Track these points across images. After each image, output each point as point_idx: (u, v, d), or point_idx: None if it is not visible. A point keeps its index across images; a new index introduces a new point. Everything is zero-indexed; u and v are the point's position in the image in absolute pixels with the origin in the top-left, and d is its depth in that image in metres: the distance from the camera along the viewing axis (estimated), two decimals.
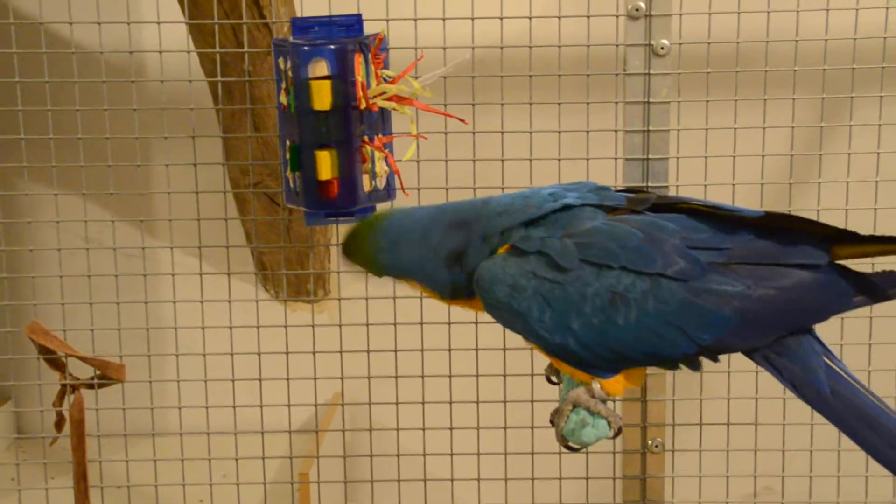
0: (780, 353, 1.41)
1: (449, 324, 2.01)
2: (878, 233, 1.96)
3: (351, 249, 1.50)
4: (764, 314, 1.37)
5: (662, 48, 1.91)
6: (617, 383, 1.45)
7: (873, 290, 1.40)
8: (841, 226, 1.45)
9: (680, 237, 1.37)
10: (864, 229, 1.85)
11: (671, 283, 1.35)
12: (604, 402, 1.47)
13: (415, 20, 1.93)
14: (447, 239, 1.45)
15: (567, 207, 1.41)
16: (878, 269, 1.41)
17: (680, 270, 1.36)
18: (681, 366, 1.44)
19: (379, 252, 1.48)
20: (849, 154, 1.99)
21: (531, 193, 1.47)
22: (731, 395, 2.04)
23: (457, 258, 1.44)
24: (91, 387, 1.94)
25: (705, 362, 1.45)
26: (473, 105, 1.95)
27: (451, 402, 2.06)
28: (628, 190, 1.51)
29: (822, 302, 1.39)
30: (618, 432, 1.49)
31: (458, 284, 1.45)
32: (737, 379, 2.04)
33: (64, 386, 1.94)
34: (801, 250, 1.39)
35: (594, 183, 1.50)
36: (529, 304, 1.38)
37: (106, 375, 1.93)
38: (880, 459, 1.41)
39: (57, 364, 1.94)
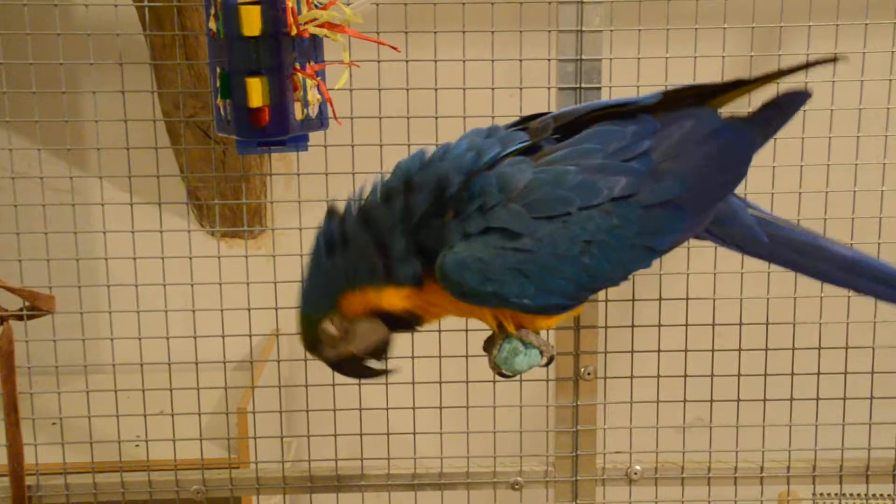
0: (719, 224, 1.48)
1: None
2: (806, 162, 2.01)
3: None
4: (704, 195, 1.42)
5: None
6: (553, 318, 1.47)
7: (767, 122, 1.49)
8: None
9: (608, 154, 1.39)
10: (793, 157, 1.90)
11: (625, 207, 1.37)
12: (536, 332, 1.49)
13: None
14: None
15: (478, 171, 1.38)
16: None
17: (627, 186, 1.37)
18: None
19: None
20: (777, 84, 2.01)
21: (431, 171, 1.41)
22: (662, 322, 2.07)
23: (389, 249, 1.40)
24: (20, 318, 1.93)
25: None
26: (406, 33, 1.93)
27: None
28: (521, 120, 1.50)
29: (741, 157, 1.46)
30: (550, 360, 1.52)
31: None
32: (667, 307, 2.07)
33: None
34: (699, 117, 1.44)
35: (481, 128, 1.49)
36: (505, 281, 1.36)
37: (35, 307, 1.91)
38: (832, 281, 1.53)
39: None
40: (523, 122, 1.49)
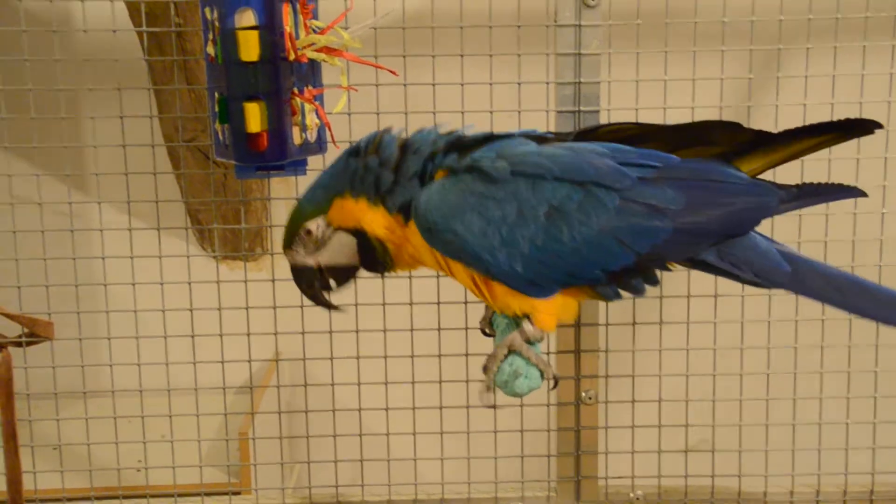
0: (734, 253, 1.47)
1: (383, 278, 2.00)
2: (806, 180, 2.00)
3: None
4: (695, 223, 1.42)
5: (593, 0, 1.91)
6: (550, 315, 1.47)
7: (794, 196, 1.48)
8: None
9: (610, 157, 1.43)
10: (791, 178, 1.88)
11: (604, 192, 1.40)
12: (538, 341, 1.48)
13: None
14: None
15: (493, 137, 1.47)
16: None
17: (612, 180, 1.40)
18: (622, 293, 1.48)
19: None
20: (776, 105, 2.01)
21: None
22: (663, 346, 2.06)
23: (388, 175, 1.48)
24: (19, 345, 1.91)
25: (642, 310, 1.49)
26: (404, 57, 1.93)
27: (385, 357, 2.06)
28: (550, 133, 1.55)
29: (747, 208, 1.45)
30: (555, 383, 1.51)
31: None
32: (668, 331, 2.06)
33: None
34: (722, 170, 1.45)
35: (519, 129, 1.55)
36: (468, 223, 1.40)
37: (34, 333, 1.90)
38: (864, 314, 1.49)
39: None
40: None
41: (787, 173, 1.56)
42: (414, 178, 1.47)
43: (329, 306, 1.57)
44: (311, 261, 1.52)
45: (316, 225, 1.50)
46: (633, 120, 1.96)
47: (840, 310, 1.48)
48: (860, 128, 1.46)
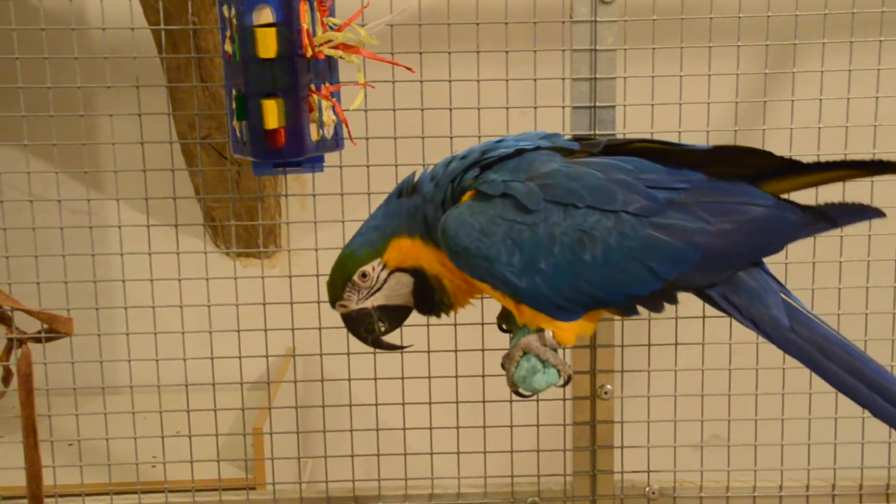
0: (737, 293, 1.46)
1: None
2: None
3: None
4: (723, 247, 1.42)
5: None
6: (570, 332, 1.48)
7: (820, 218, 1.46)
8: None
9: (638, 177, 1.42)
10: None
11: (634, 220, 1.40)
12: (554, 350, 1.49)
13: None
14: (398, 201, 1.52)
15: (521, 151, 1.45)
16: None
17: (641, 207, 1.40)
18: (640, 310, 1.48)
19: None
20: (792, 101, 2.02)
21: (482, 145, 1.51)
22: (679, 341, 2.07)
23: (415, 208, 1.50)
24: (38, 341, 1.93)
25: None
26: (420, 54, 1.94)
27: (402, 352, 2.06)
28: (577, 138, 1.54)
29: (774, 232, 1.44)
30: (567, 381, 1.52)
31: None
32: (684, 326, 2.07)
33: (10, 340, 1.93)
34: (748, 191, 1.45)
35: (543, 131, 1.55)
36: (498, 248, 1.40)
37: (53, 329, 1.92)
38: (843, 390, 1.46)
39: (3, 318, 1.92)
40: (576, 139, 1.53)
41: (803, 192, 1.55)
42: (439, 208, 1.47)
43: (394, 348, 1.57)
44: (367, 304, 1.51)
45: (372, 267, 1.49)
46: (650, 114, 1.98)
47: (826, 383, 1.47)
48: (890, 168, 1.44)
